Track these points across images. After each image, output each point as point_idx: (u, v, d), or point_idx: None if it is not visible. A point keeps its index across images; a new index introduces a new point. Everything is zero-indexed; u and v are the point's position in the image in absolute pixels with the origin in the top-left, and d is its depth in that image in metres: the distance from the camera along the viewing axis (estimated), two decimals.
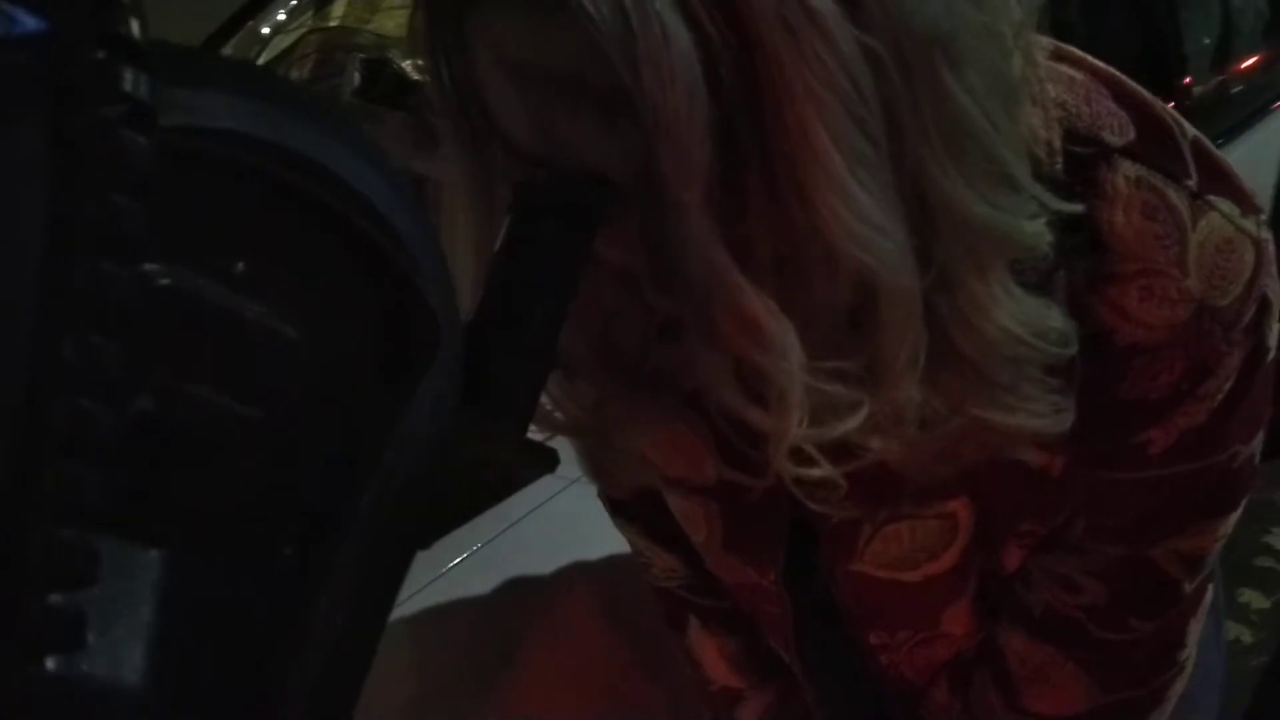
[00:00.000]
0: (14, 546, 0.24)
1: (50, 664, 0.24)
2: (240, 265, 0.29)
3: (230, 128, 0.27)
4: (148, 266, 0.27)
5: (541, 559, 1.13)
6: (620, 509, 0.91)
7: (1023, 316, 0.54)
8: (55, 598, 0.24)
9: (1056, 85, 0.58)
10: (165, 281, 0.28)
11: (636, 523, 0.90)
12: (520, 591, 1.10)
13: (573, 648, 1.11)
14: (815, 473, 0.55)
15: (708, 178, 0.46)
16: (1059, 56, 0.61)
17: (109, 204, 0.25)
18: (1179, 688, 0.75)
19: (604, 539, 1.00)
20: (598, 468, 0.80)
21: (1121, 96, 0.60)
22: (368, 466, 0.31)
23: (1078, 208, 0.55)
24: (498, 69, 0.48)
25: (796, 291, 0.49)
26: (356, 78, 1.50)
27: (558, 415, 0.64)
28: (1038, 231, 0.53)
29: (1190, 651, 0.74)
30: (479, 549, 1.11)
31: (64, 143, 0.25)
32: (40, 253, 0.24)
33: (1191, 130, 0.61)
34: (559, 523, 1.14)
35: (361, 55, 1.49)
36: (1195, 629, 0.73)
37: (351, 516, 0.31)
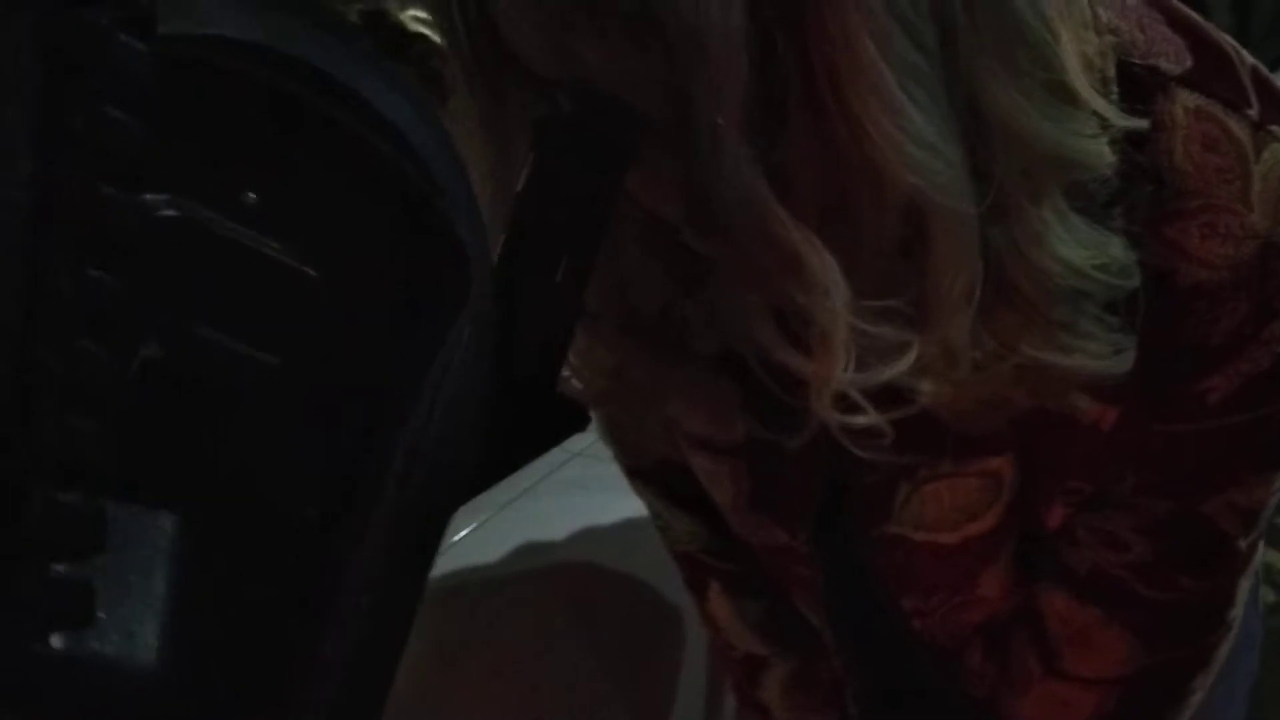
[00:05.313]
0: (12, 510, 0.21)
1: (57, 641, 0.22)
2: (252, 196, 0.26)
3: (236, 35, 0.24)
4: (149, 196, 0.24)
5: (552, 527, 1.11)
6: (638, 471, 0.89)
7: (1081, 247, 0.51)
8: (60, 568, 0.21)
9: (1108, 10, 0.55)
10: (170, 213, 0.25)
11: (654, 485, 0.88)
12: (531, 560, 1.08)
13: (586, 616, 1.09)
14: (860, 420, 0.52)
15: (744, 98, 0.42)
16: None
17: (104, 119, 0.22)
18: (1226, 649, 0.73)
19: (617, 506, 0.98)
20: (619, 438, 0.78)
21: (1176, 22, 0.57)
22: (398, 419, 0.28)
23: (1143, 123, 0.52)
24: None
25: (842, 223, 0.46)
26: None
27: (576, 384, 0.62)
28: (1098, 151, 0.50)
29: (1239, 611, 0.72)
30: (488, 519, 1.09)
31: (51, 51, 0.22)
32: (29, 174, 0.21)
33: (1250, 58, 0.58)
34: (569, 490, 1.12)
35: (359, 6, 1.46)
36: (1245, 587, 0.71)
37: (382, 474, 0.28)
